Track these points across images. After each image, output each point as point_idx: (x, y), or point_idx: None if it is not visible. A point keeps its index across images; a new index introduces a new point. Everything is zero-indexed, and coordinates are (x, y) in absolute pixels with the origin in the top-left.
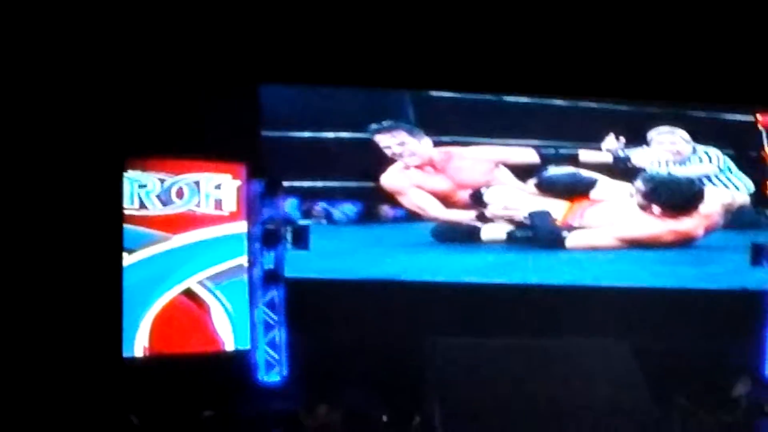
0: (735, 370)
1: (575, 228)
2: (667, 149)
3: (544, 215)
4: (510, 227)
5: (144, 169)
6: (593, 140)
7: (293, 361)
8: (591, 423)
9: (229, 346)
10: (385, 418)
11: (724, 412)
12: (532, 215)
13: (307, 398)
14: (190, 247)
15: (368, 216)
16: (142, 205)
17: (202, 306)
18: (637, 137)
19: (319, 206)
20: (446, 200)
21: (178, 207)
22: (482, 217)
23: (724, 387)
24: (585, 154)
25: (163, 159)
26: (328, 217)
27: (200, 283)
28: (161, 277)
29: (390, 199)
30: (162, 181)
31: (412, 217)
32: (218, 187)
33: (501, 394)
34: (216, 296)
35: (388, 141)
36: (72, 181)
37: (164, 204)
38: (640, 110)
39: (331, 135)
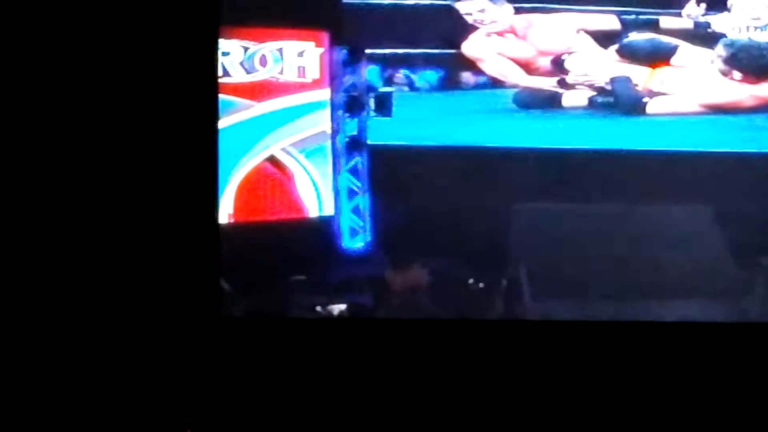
0: None
1: (656, 94)
2: (748, 15)
3: (626, 81)
4: (591, 93)
5: (227, 36)
6: (674, 6)
7: (377, 228)
8: (675, 283)
9: (314, 212)
10: (471, 281)
11: None
12: (613, 81)
13: (392, 264)
14: (274, 114)
15: (450, 83)
16: (226, 73)
17: (286, 172)
18: (717, 2)
19: (401, 73)
20: (528, 67)
21: (261, 74)
22: (564, 83)
23: None
24: (665, 21)
25: (245, 27)
26: (410, 84)
27: (284, 149)
28: (245, 144)
29: (472, 66)
30: (245, 48)
31: (494, 83)
32: (301, 54)
33: (583, 257)
34: (300, 162)
35: (468, 8)
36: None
37: (248, 71)
38: None
39: (412, 2)
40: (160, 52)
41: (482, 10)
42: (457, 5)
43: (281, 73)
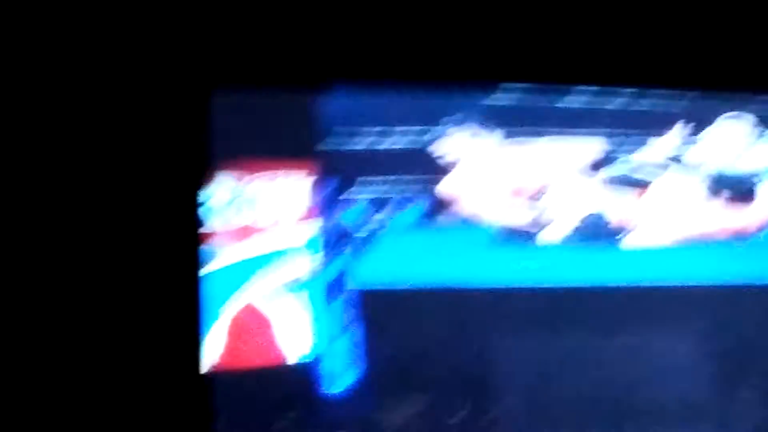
0: None
1: (636, 225)
2: (728, 144)
3: (603, 214)
4: (569, 228)
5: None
6: (656, 134)
7: (362, 369)
8: (659, 415)
9: (296, 357)
10: (462, 414)
11: None
12: (591, 215)
13: (379, 404)
14: (255, 259)
15: (429, 221)
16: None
17: (266, 318)
18: (696, 132)
19: (381, 213)
20: (504, 204)
21: (243, 219)
22: (540, 219)
23: None
24: (645, 152)
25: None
26: (390, 223)
27: (265, 294)
28: (226, 290)
29: (449, 204)
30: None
31: (472, 221)
32: (283, 195)
33: (569, 388)
34: (279, 307)
35: (447, 147)
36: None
37: (228, 216)
38: (703, 103)
39: (390, 143)
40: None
41: (460, 150)
42: (435, 145)
43: (262, 215)
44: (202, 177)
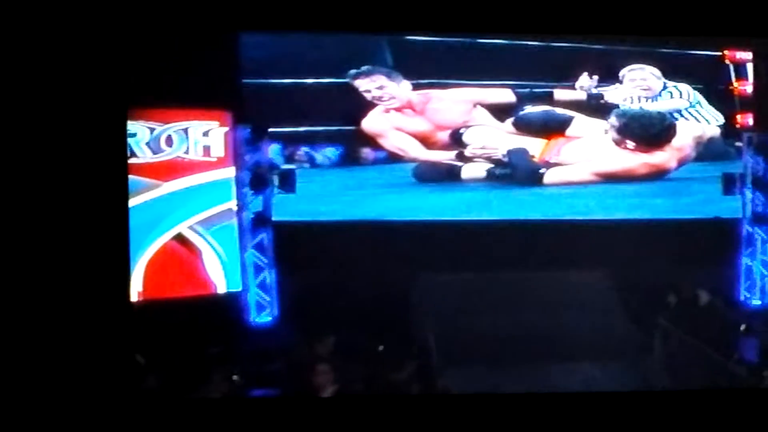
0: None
1: (552, 164)
2: (639, 86)
3: (522, 152)
4: (489, 165)
5: (133, 118)
6: (567, 79)
7: (283, 301)
8: (577, 346)
9: (221, 288)
10: (381, 348)
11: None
12: (510, 153)
13: (298, 337)
14: (180, 193)
15: (350, 159)
16: (133, 154)
17: (194, 250)
18: (609, 75)
19: (302, 151)
20: (426, 141)
21: (167, 154)
22: (462, 157)
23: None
24: (560, 93)
25: (151, 108)
26: (311, 161)
27: (191, 228)
28: (153, 223)
29: (371, 141)
30: (151, 129)
31: (393, 158)
32: (206, 134)
33: (488, 324)
34: (207, 240)
35: (367, 85)
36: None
37: (154, 152)
38: (612, 49)
39: (311, 81)
40: (73, 132)
41: (381, 87)
42: (356, 83)
43: (186, 152)
44: (122, 116)
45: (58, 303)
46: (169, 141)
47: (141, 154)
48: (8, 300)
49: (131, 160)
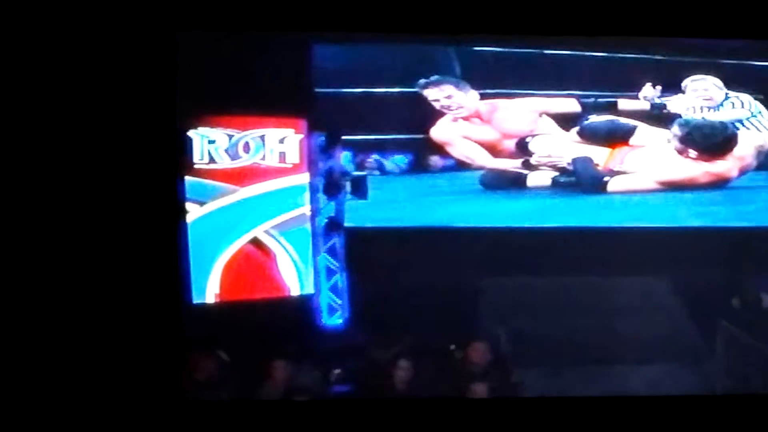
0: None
1: (616, 173)
2: (701, 96)
3: (586, 161)
4: (554, 173)
5: (212, 125)
6: (631, 89)
7: (354, 305)
8: (642, 349)
9: (295, 291)
10: (453, 347)
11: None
12: (574, 161)
13: (369, 339)
14: (257, 198)
15: (419, 166)
16: (212, 160)
17: (269, 254)
18: (672, 85)
19: (372, 158)
20: (493, 150)
21: (244, 160)
22: (528, 165)
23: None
24: (623, 103)
25: (230, 116)
26: (381, 168)
27: (266, 232)
28: (230, 228)
29: (439, 149)
30: (230, 136)
31: (461, 166)
32: (282, 141)
33: (555, 327)
34: (281, 244)
35: (436, 95)
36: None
37: (232, 158)
38: (675, 60)
39: (381, 90)
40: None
41: (449, 97)
42: (425, 92)
43: (263, 159)
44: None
45: (126, 302)
46: (247, 147)
47: (220, 159)
48: (71, 301)
49: (210, 166)
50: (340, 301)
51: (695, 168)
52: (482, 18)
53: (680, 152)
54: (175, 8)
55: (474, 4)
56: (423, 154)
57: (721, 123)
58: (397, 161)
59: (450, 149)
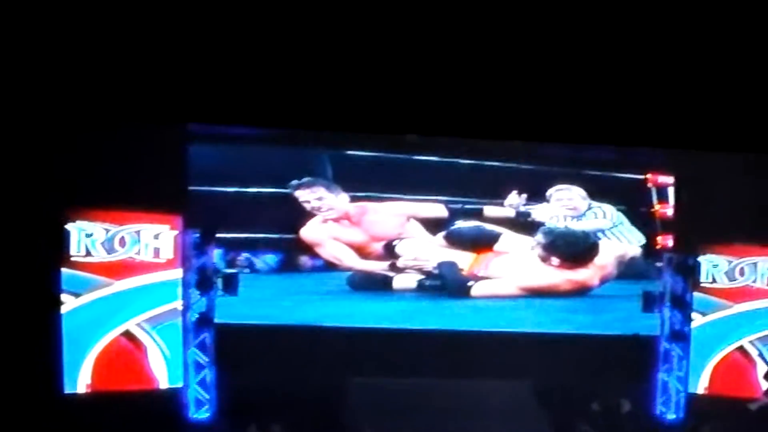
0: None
1: (480, 278)
2: (565, 205)
3: (452, 266)
4: (420, 277)
5: (91, 219)
6: (497, 197)
7: (221, 400)
8: None
9: (164, 384)
10: None
11: None
12: (440, 265)
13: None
14: (130, 292)
15: (289, 265)
16: (88, 253)
17: (140, 346)
18: (537, 194)
19: (243, 256)
20: (361, 251)
21: (120, 254)
22: (394, 267)
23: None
24: (489, 210)
25: (108, 210)
26: (251, 266)
27: (138, 325)
28: (103, 320)
29: (309, 250)
30: (107, 230)
31: (330, 266)
32: (156, 236)
33: (417, 427)
34: (152, 337)
35: (307, 196)
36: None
37: (108, 252)
38: (540, 169)
39: (254, 190)
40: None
41: (320, 198)
42: (297, 193)
43: (138, 253)
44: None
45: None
46: (123, 242)
47: (96, 253)
48: None
49: (86, 259)
50: (207, 396)
51: (557, 275)
52: (355, 121)
53: (543, 260)
54: (57, 104)
55: (347, 108)
56: (293, 254)
57: (584, 232)
58: (267, 260)
59: (319, 250)
